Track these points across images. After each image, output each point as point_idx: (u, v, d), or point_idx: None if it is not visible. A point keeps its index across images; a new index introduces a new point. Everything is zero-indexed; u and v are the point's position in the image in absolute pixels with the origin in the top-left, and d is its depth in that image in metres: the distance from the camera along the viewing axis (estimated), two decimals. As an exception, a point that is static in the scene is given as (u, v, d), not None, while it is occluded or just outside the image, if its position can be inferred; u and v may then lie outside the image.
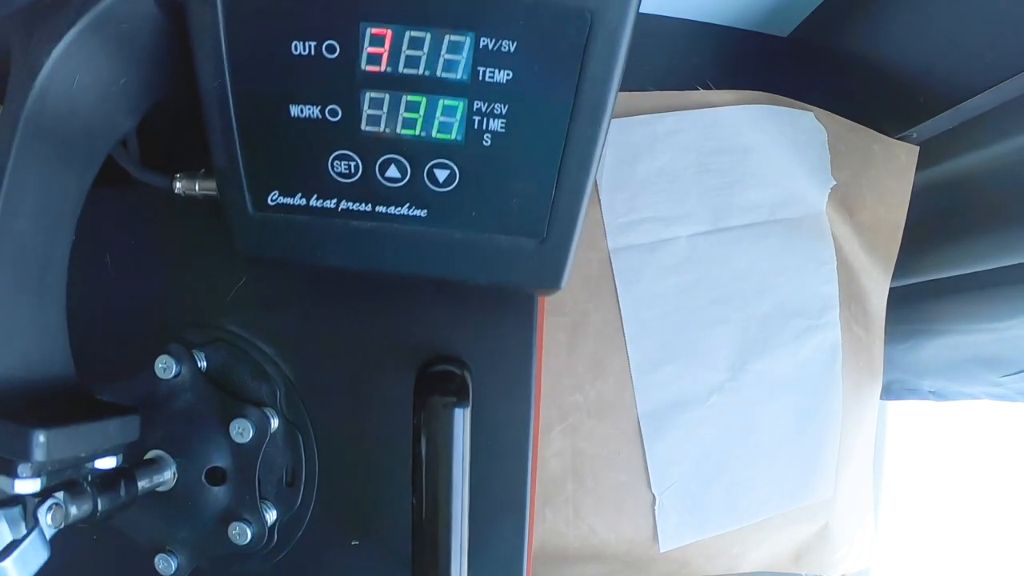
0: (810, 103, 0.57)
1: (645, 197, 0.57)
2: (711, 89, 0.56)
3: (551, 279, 0.32)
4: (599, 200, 0.57)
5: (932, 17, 0.48)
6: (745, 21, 0.57)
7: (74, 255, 0.31)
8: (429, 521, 0.34)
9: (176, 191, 0.37)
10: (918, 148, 0.58)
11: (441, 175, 0.30)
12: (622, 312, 0.57)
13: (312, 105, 0.29)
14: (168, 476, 0.37)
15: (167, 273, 0.41)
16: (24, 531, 0.27)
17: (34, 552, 0.27)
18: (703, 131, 0.56)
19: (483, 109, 0.29)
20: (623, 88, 0.58)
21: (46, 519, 0.28)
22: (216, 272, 0.40)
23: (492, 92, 0.28)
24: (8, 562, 0.26)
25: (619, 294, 0.57)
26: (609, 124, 0.29)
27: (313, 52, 0.28)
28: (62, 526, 0.29)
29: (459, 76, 0.28)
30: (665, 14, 0.56)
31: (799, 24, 0.56)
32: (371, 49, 0.28)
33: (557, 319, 0.57)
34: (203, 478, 0.38)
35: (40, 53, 0.26)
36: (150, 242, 0.41)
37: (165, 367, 0.37)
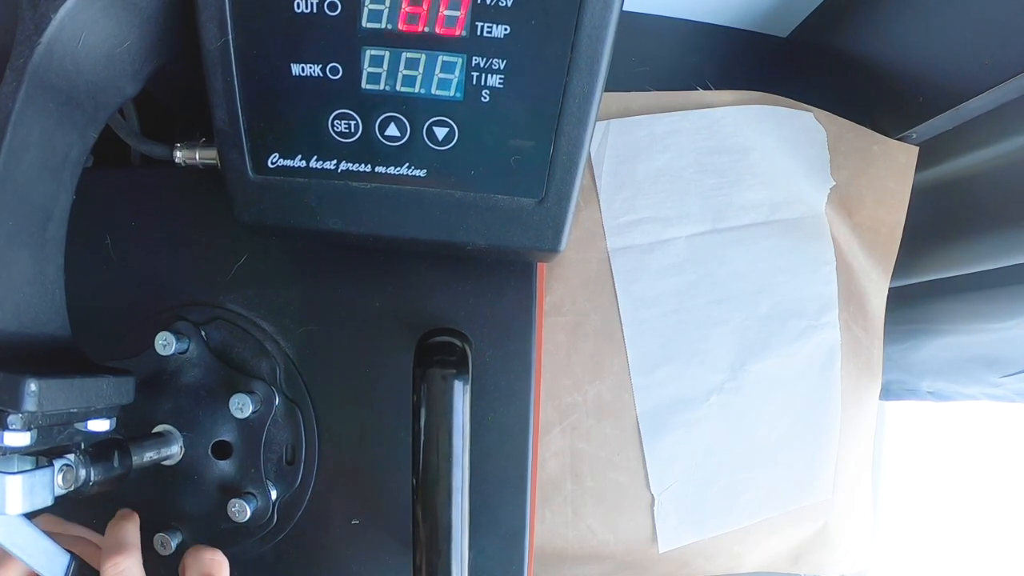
0: (810, 103, 0.57)
1: (644, 197, 0.57)
2: (710, 89, 0.56)
3: (551, 240, 0.32)
4: (598, 200, 0.57)
5: (932, 17, 0.48)
6: (744, 21, 0.57)
7: (75, 235, 0.32)
8: (429, 495, 0.34)
9: (176, 160, 0.38)
10: (918, 148, 0.57)
11: (440, 133, 0.31)
12: (621, 312, 0.57)
13: (313, 63, 0.30)
14: (176, 450, 0.38)
15: (168, 253, 0.41)
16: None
17: (41, 487, 0.27)
18: (702, 131, 0.56)
19: (481, 65, 0.29)
20: (622, 89, 0.58)
21: (57, 479, 0.28)
22: (216, 251, 0.41)
23: (490, 48, 0.29)
24: (16, 478, 0.26)
25: (618, 294, 0.57)
26: (606, 79, 0.30)
27: (315, 9, 0.29)
28: (71, 488, 0.29)
29: (458, 32, 0.29)
30: (665, 14, 0.56)
31: (799, 24, 0.56)
32: (372, 5, 0.29)
33: (556, 319, 0.57)
34: (209, 452, 0.39)
35: (48, 9, 0.26)
36: (151, 223, 0.42)
37: (165, 343, 0.38)
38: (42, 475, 0.27)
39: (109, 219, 0.42)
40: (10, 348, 0.27)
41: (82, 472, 0.30)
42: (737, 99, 0.56)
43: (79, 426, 0.29)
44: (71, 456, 0.29)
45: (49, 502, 0.28)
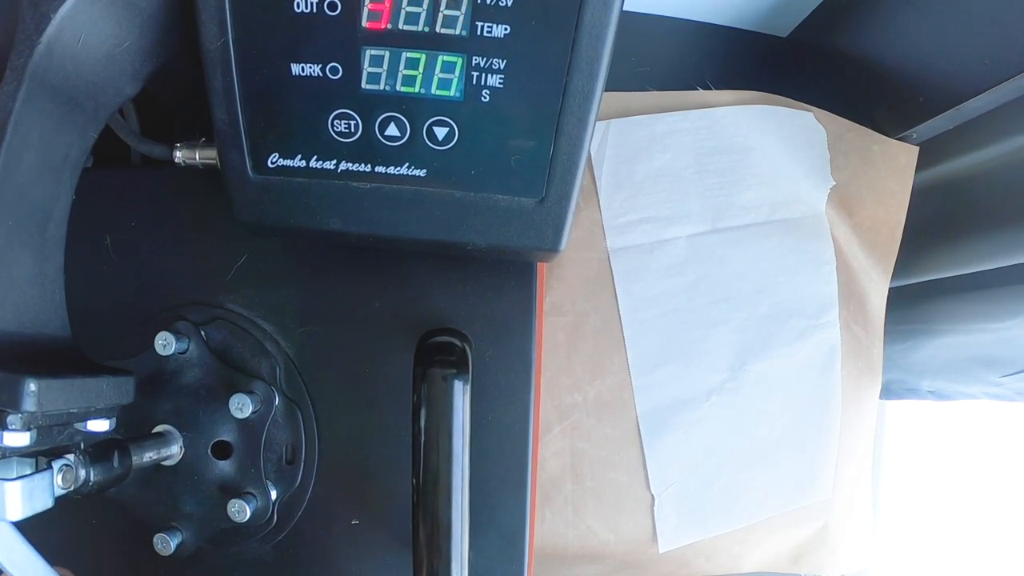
0: (810, 103, 0.57)
1: (644, 197, 0.57)
2: (711, 89, 0.56)
3: (551, 240, 0.32)
4: (598, 200, 0.57)
5: (932, 17, 0.48)
6: (744, 21, 0.57)
7: (75, 235, 0.32)
8: (429, 495, 0.34)
9: (176, 160, 0.38)
10: (918, 148, 0.57)
11: (440, 133, 0.31)
12: (621, 313, 0.57)
13: (313, 63, 0.30)
14: (175, 450, 0.38)
15: (168, 253, 0.41)
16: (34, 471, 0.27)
17: (41, 490, 0.27)
18: (703, 131, 0.56)
19: (481, 65, 0.29)
20: (622, 88, 0.58)
21: (57, 479, 0.28)
22: (216, 251, 0.41)
23: (490, 47, 0.29)
24: (15, 484, 0.26)
25: (618, 295, 0.57)
26: (606, 79, 0.30)
27: (315, 9, 0.29)
28: (71, 488, 0.29)
29: (458, 31, 0.29)
30: (665, 14, 0.56)
31: (799, 24, 0.56)
32: (372, 5, 0.28)
33: (556, 319, 0.57)
34: (209, 452, 0.39)
35: (49, 9, 0.26)
36: (151, 223, 0.42)
37: (165, 344, 0.38)
38: (41, 479, 0.27)
39: (109, 219, 0.42)
40: (10, 348, 0.27)
41: (81, 472, 0.30)
42: (737, 99, 0.56)
43: (79, 426, 0.29)
44: (70, 456, 0.29)
45: (49, 504, 0.28)
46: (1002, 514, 0.92)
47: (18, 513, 0.26)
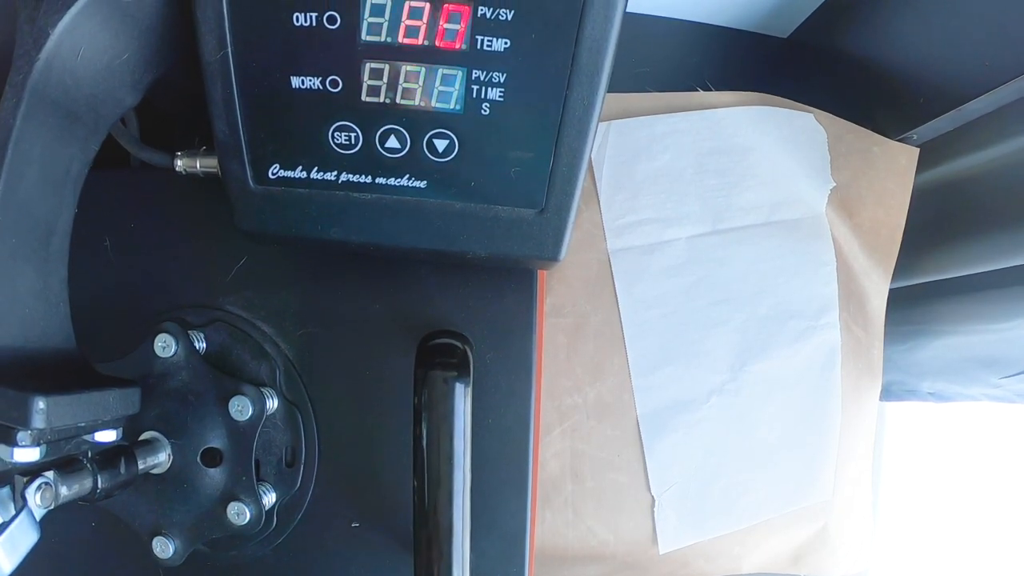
0: (810, 104, 0.57)
1: (644, 198, 0.57)
2: (711, 90, 0.56)
3: (551, 249, 0.33)
4: (598, 201, 0.57)
5: (932, 18, 0.48)
6: (745, 22, 0.57)
7: (75, 237, 0.32)
8: (430, 497, 0.34)
9: (177, 169, 0.38)
10: (918, 150, 0.57)
11: (440, 145, 0.31)
12: (621, 314, 0.57)
13: (313, 76, 0.30)
14: (163, 458, 0.37)
15: (167, 255, 0.41)
16: (12, 512, 0.27)
17: (22, 534, 0.27)
18: (703, 132, 0.56)
19: (481, 78, 0.29)
20: (622, 89, 0.58)
21: (35, 499, 0.27)
22: (216, 253, 0.41)
23: (490, 61, 0.29)
24: None
25: (618, 296, 0.57)
26: (606, 92, 0.30)
27: (314, 23, 0.29)
28: (52, 506, 0.29)
29: (458, 45, 0.29)
30: (665, 15, 0.56)
31: (799, 25, 0.56)
32: (371, 19, 0.29)
33: (556, 321, 0.57)
34: (198, 459, 0.38)
35: (46, 24, 0.26)
36: (150, 224, 0.42)
37: (164, 345, 0.37)
38: (20, 523, 0.27)
39: (108, 221, 0.42)
40: (16, 363, 0.27)
41: (87, 482, 0.30)
42: (737, 100, 0.56)
43: (86, 436, 0.30)
44: (49, 473, 0.28)
45: (36, 537, 0.27)
46: (1002, 515, 0.92)
47: (8, 568, 0.26)
